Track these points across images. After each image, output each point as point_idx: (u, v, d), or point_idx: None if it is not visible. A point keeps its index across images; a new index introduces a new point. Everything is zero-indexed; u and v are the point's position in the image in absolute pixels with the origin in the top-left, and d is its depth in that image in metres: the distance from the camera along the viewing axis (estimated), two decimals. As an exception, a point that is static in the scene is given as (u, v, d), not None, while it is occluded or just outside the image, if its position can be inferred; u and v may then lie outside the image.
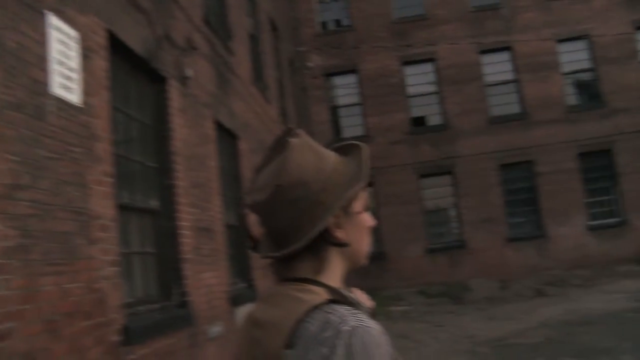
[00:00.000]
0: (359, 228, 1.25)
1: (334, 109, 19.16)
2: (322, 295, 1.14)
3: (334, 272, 1.22)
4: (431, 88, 18.86)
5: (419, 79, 18.91)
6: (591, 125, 17.89)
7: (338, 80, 19.17)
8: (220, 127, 7.63)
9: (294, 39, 17.23)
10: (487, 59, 18.65)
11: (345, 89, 19.05)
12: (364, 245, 1.27)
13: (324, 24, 19.59)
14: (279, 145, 1.24)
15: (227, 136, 8.10)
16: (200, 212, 6.23)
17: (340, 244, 1.20)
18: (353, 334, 1.03)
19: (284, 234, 1.18)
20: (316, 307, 1.09)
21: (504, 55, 18.64)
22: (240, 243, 8.15)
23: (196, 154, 6.38)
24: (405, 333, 11.52)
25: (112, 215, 4.24)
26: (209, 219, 6.56)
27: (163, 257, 5.43)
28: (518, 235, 17.64)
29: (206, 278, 6.17)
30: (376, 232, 17.96)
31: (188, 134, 6.15)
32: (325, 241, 1.18)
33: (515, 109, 18.48)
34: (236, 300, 7.15)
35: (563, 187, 17.65)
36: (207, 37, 7.37)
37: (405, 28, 18.87)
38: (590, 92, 18.87)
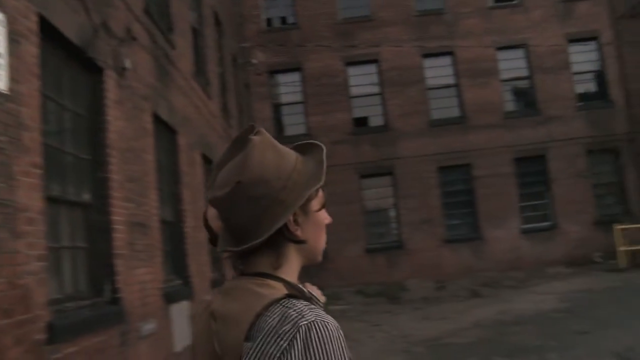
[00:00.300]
0: (316, 226, 1.29)
1: (277, 107, 19.09)
2: (280, 290, 1.18)
3: (291, 268, 1.27)
4: (374, 89, 19.03)
5: (362, 80, 19.05)
6: (527, 131, 18.46)
7: (282, 78, 19.11)
8: (159, 121, 7.45)
9: (238, 35, 17.06)
10: (429, 62, 18.96)
11: (288, 87, 19.01)
12: (320, 242, 1.32)
13: (269, 21, 19.48)
14: (240, 143, 1.27)
15: (165, 130, 7.92)
16: (135, 206, 6.06)
17: (298, 241, 1.25)
18: (311, 328, 1.06)
19: (244, 229, 1.21)
20: (275, 302, 1.13)
21: (446, 60, 19.00)
22: (176, 238, 7.99)
23: (132, 147, 6.21)
24: (343, 332, 11.55)
25: (40, 208, 4.06)
26: (144, 213, 6.39)
27: (94, 253, 5.25)
28: (455, 236, 18.01)
29: (140, 274, 6.01)
30: (316, 231, 18.02)
31: (124, 127, 5.97)
32: (283, 238, 1.22)
33: (455, 112, 18.87)
34: (171, 297, 7.00)
35: (499, 190, 18.14)
36: (147, 28, 7.18)
37: (350, 28, 18.98)
38: (526, 99, 19.47)
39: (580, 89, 19.67)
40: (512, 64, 19.23)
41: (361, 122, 19.02)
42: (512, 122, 18.72)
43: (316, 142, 1.36)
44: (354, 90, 18.99)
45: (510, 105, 19.37)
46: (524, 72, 19.34)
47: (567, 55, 19.36)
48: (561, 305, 12.12)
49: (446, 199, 18.31)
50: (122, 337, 5.32)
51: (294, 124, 18.88)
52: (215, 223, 1.36)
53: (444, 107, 18.92)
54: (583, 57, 19.65)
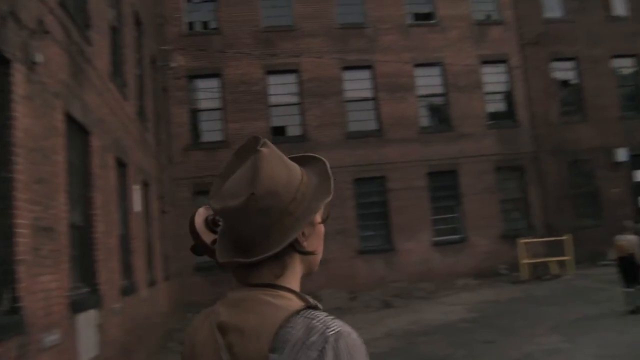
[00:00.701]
0: (319, 237, 1.33)
1: (195, 112, 18.67)
2: (293, 300, 1.21)
3: (295, 278, 1.30)
4: (293, 99, 19.00)
5: (281, 89, 19.00)
6: (440, 146, 18.99)
7: (201, 83, 18.72)
8: (71, 120, 7.04)
9: (159, 37, 16.58)
10: (348, 75, 19.17)
11: (207, 92, 18.65)
12: (321, 253, 1.36)
13: (190, 25, 19.06)
14: (244, 154, 1.28)
15: (78, 130, 7.51)
16: (42, 209, 5.68)
17: (306, 252, 1.28)
18: (338, 339, 1.10)
19: (252, 240, 1.23)
20: (295, 313, 1.15)
21: (365, 73, 19.27)
22: (86, 244, 7.58)
23: (41, 146, 5.82)
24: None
25: None
26: (52, 217, 6.00)
27: (-6, 258, 4.85)
28: (368, 247, 18.22)
29: (44, 282, 5.62)
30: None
31: (33, 125, 5.59)
32: (291, 249, 1.25)
33: (372, 125, 19.13)
34: (77, 306, 6.61)
35: (412, 203, 18.53)
36: (62, 21, 6.79)
37: (272, 37, 18.90)
38: (440, 115, 20.06)
39: (491, 108, 20.51)
40: (428, 81, 19.78)
41: (279, 131, 18.92)
42: (426, 137, 19.21)
43: (316, 155, 1.39)
44: (273, 99, 18.90)
45: (425, 121, 19.88)
46: (439, 90, 19.92)
47: (479, 76, 20.14)
48: (469, 316, 12.47)
49: (361, 210, 18.50)
50: (21, 349, 4.94)
51: (211, 130, 18.53)
52: (204, 233, 1.41)
53: (362, 119, 19.16)
54: (494, 79, 20.52)
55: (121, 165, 9.89)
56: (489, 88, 20.47)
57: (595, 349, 8.53)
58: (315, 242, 1.32)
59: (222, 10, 18.87)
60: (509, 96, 20.71)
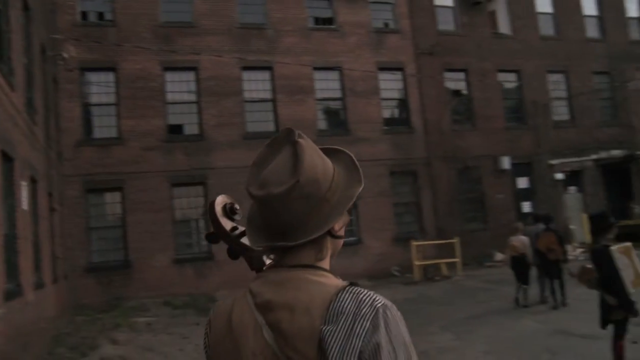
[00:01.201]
0: (344, 224, 1.43)
1: (87, 107, 17.83)
2: (333, 279, 1.34)
3: (327, 259, 1.41)
4: (191, 97, 18.63)
5: (179, 87, 18.62)
6: (337, 150, 19.23)
7: (94, 77, 17.90)
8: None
9: (50, 25, 15.70)
10: (248, 75, 19.12)
11: (101, 86, 17.85)
12: (343, 238, 1.47)
13: (84, 14, 18.17)
14: (279, 144, 1.40)
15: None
16: None
17: (338, 237, 1.41)
18: (387, 309, 1.25)
19: (292, 225, 1.32)
20: (342, 289, 1.27)
21: (265, 74, 19.29)
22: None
23: None
24: (150, 345, 11.10)
25: None
26: None
27: None
28: (265, 249, 18.16)
29: None
30: (122, 240, 17.11)
31: None
32: (326, 233, 1.35)
33: (270, 127, 19.11)
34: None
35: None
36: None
37: (171, 33, 18.46)
38: (338, 119, 20.41)
39: (387, 114, 21.20)
40: (327, 85, 20.12)
41: (176, 129, 18.49)
42: (324, 140, 19.39)
43: (341, 148, 1.49)
44: (170, 97, 18.46)
45: (323, 124, 20.16)
46: (338, 94, 20.29)
47: (376, 82, 20.74)
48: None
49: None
50: None
51: (104, 126, 17.79)
52: (223, 220, 1.57)
53: (260, 120, 19.12)
54: (390, 85, 21.23)
55: (7, 159, 9.27)
56: (385, 94, 21.14)
57: (484, 345, 9.04)
58: (341, 228, 1.42)
59: (118, 2, 18.17)
60: (404, 103, 21.48)
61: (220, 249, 12.54)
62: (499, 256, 20.76)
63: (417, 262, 18.40)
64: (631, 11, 26.96)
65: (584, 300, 11.48)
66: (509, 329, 10.12)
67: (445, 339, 9.77)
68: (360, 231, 19.39)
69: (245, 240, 1.57)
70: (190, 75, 18.73)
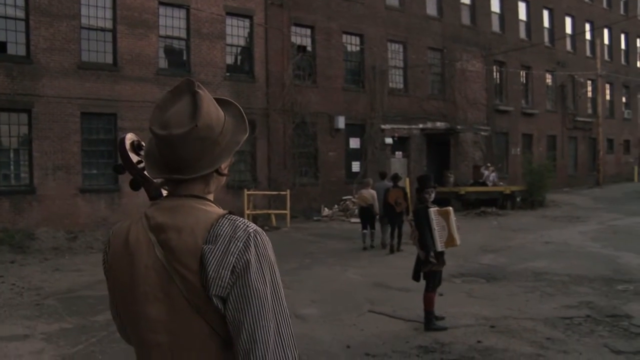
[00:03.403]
0: (229, 164, 1.71)
1: None
2: (217, 208, 1.61)
3: (212, 193, 1.70)
4: (18, 12, 16.86)
5: (5, -1, 16.74)
6: (176, 91, 18.72)
7: None
8: None
9: None
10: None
11: None
12: (227, 176, 1.74)
13: None
14: (180, 92, 1.63)
15: None
16: None
17: (223, 174, 1.69)
18: (257, 234, 1.53)
19: (186, 162, 1.58)
20: (222, 216, 1.54)
21: (107, 1, 18.03)
22: None
23: None
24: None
25: None
26: None
27: None
28: (92, 186, 17.45)
29: None
30: None
31: None
32: (215, 170, 1.63)
33: (108, 58, 18.15)
34: None
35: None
36: None
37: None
38: (180, 60, 19.91)
39: (230, 60, 21.03)
40: (172, 22, 19.52)
41: (-3, 46, 16.72)
42: (163, 79, 18.88)
43: (232, 100, 1.76)
44: (-7, 9, 16.55)
45: (164, 62, 19.50)
46: (182, 33, 19.71)
47: (223, 26, 20.53)
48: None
49: (87, 146, 17.55)
50: None
51: None
52: (131, 154, 1.83)
53: (97, 50, 18.02)
54: (237, 32, 21.14)
55: None
56: (230, 40, 20.97)
57: (311, 294, 9.74)
58: (227, 168, 1.71)
59: None
60: (248, 52, 21.49)
61: (43, 184, 11.87)
62: (325, 211, 21.85)
63: (247, 211, 18.78)
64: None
65: (405, 257, 12.63)
66: (334, 280, 10.91)
67: (274, 288, 10.20)
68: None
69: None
70: (19, -11, 16.98)
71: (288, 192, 19.69)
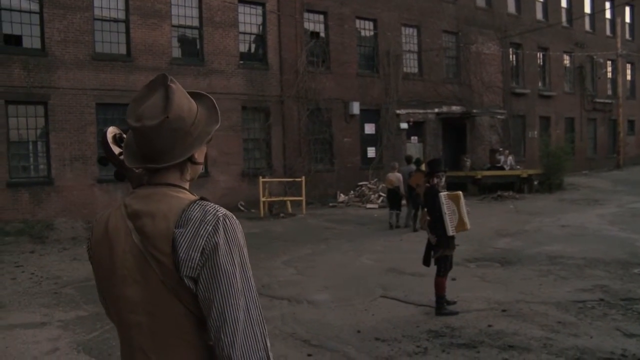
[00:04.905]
0: (203, 154, 1.83)
1: None
2: (189, 195, 1.72)
3: (186, 181, 1.79)
4: (33, 6, 17.06)
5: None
6: (190, 80, 18.98)
7: None
8: None
9: None
10: (96, -10, 17.87)
11: None
12: (202, 165, 1.85)
13: None
14: (154, 86, 1.72)
15: None
16: None
17: (197, 163, 1.79)
18: (226, 218, 1.62)
19: (160, 152, 1.68)
20: (193, 202, 1.65)
21: (119, -7, 18.16)
22: None
23: None
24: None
25: None
26: None
27: None
28: (108, 176, 17.61)
29: None
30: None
31: None
32: (188, 160, 1.74)
33: (122, 49, 18.30)
34: None
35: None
36: None
37: None
38: (193, 49, 19.96)
39: (244, 48, 21.05)
40: (184, 12, 19.59)
41: (12, 40, 16.92)
42: (177, 68, 19.02)
43: (204, 93, 1.86)
44: (5, 2, 16.69)
45: (177, 52, 19.58)
46: (195, 22, 19.78)
47: (236, 14, 20.51)
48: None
49: (100, 137, 17.64)
50: None
51: None
52: (113, 146, 1.95)
53: (110, 41, 18.17)
54: (250, 20, 21.11)
55: None
56: (243, 28, 20.98)
57: (324, 280, 9.81)
58: (201, 156, 1.81)
59: None
60: (261, 39, 21.48)
61: (61, 175, 12.09)
62: (341, 197, 21.89)
63: (263, 199, 18.89)
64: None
65: (420, 242, 12.63)
66: (348, 265, 10.98)
67: (288, 274, 10.35)
68: (208, 164, 19.34)
69: None
70: (34, -17, 17.13)
71: (303, 178, 19.75)
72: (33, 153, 17.04)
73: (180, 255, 1.56)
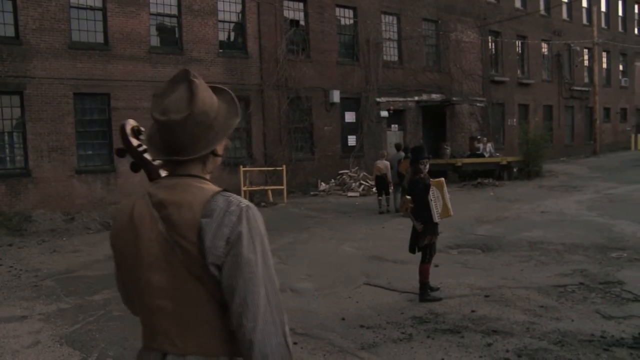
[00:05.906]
0: (223, 146, 1.88)
1: None
2: (212, 186, 1.77)
3: (209, 173, 1.86)
4: (4, -7, 16.67)
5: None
6: (169, 69, 18.81)
7: None
8: None
9: None
10: (74, -23, 17.55)
11: None
12: (222, 156, 1.91)
13: None
14: (177, 81, 1.78)
15: None
16: None
17: (219, 155, 1.86)
18: (249, 209, 1.69)
19: (184, 145, 1.74)
20: (217, 193, 1.71)
21: (99, -20, 17.86)
22: None
23: None
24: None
25: None
26: None
27: None
28: (87, 167, 17.44)
29: None
30: None
31: None
32: (210, 152, 1.81)
33: (99, 37, 18.00)
34: None
35: (139, 124, 18.02)
36: None
37: None
38: (172, 37, 19.76)
39: (223, 36, 20.89)
40: (163, 0, 19.17)
41: (-15, 29, 16.54)
42: (155, 57, 18.84)
43: (224, 87, 1.92)
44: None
45: (155, 41, 19.35)
46: (174, 10, 19.55)
47: (215, 2, 20.33)
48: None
49: (80, 127, 17.48)
50: None
51: None
52: (132, 138, 2.02)
53: (87, 30, 17.89)
54: (229, 7, 20.90)
55: None
56: (222, 16, 20.76)
57: (307, 268, 9.82)
58: (222, 150, 1.87)
59: None
60: (241, 27, 21.34)
61: (39, 166, 11.93)
62: (322, 186, 21.91)
63: (244, 188, 18.84)
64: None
65: (401, 230, 12.69)
66: (330, 254, 10.99)
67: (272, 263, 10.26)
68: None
69: (147, 155, 2.00)
70: (3, -31, 16.75)
71: (284, 167, 19.72)
72: (9, 144, 16.71)
73: (207, 243, 1.63)
